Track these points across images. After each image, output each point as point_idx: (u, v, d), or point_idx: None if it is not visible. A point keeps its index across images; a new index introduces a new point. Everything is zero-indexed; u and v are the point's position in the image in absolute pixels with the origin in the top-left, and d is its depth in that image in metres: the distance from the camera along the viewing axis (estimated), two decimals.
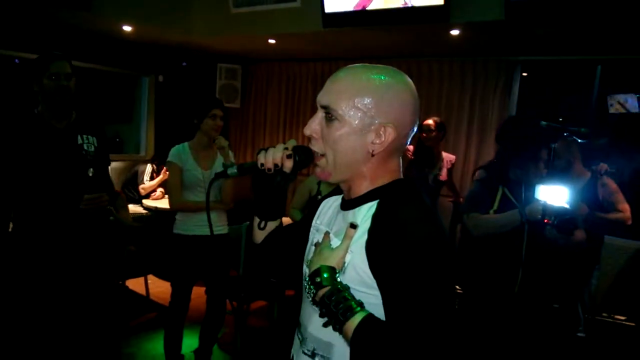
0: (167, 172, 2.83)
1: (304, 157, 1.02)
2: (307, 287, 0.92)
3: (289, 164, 1.02)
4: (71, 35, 4.45)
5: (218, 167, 2.69)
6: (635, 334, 3.20)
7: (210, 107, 2.64)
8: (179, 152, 2.67)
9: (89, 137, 2.26)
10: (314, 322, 0.99)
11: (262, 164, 1.03)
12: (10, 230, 2.16)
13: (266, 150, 1.04)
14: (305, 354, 1.01)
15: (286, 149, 1.03)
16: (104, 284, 2.38)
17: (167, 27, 4.27)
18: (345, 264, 0.93)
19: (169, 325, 2.76)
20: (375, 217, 0.92)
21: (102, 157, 2.35)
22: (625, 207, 2.78)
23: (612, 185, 2.81)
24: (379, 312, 0.89)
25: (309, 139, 1.01)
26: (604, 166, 2.81)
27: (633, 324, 3.21)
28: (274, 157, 1.02)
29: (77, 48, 4.52)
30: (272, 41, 4.44)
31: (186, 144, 2.71)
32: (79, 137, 2.22)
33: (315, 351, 0.99)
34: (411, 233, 0.87)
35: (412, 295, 0.84)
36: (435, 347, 0.82)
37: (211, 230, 1.14)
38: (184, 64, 5.52)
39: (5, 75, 4.47)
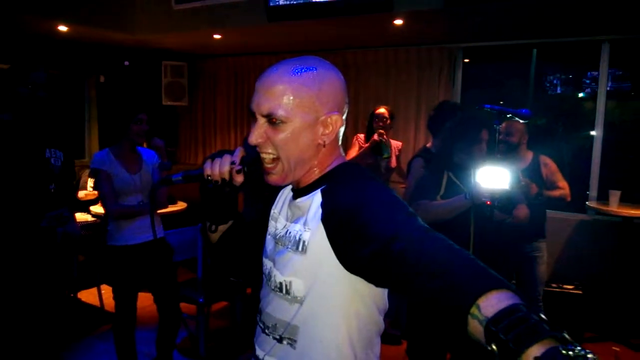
0: (95, 181, 2.73)
1: (254, 168, 0.97)
2: None
3: (239, 179, 0.98)
4: (4, 37, 4.18)
5: (146, 170, 2.63)
6: (582, 301, 3.41)
7: (135, 111, 2.56)
8: (103, 159, 2.57)
9: (57, 151, 2.19)
10: (279, 308, 0.98)
11: (208, 176, 0.98)
12: None
13: (213, 159, 0.98)
14: (274, 339, 0.99)
15: (233, 162, 0.96)
16: (51, 297, 2.29)
17: (107, 25, 4.08)
18: (306, 243, 0.92)
19: (119, 339, 2.66)
20: (325, 191, 0.94)
21: (68, 172, 2.28)
22: (564, 184, 2.94)
23: (553, 165, 2.97)
24: (334, 284, 0.91)
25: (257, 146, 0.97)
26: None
27: (580, 292, 3.42)
28: (220, 170, 0.97)
29: (10, 50, 4.24)
30: (217, 36, 4.35)
31: (108, 149, 2.62)
32: (47, 151, 2.15)
33: (283, 335, 0.98)
34: (362, 190, 0.90)
35: (391, 236, 0.79)
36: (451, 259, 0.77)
37: (154, 233, 1.10)
38: (126, 63, 5.31)
39: None
